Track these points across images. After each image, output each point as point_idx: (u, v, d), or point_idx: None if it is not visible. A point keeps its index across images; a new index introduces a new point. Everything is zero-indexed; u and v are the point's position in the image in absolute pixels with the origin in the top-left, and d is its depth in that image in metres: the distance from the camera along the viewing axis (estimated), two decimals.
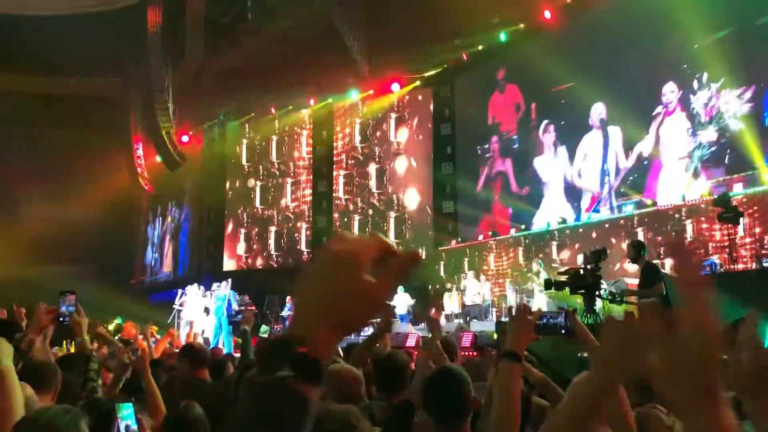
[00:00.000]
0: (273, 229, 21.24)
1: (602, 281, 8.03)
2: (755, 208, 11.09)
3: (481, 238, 16.77)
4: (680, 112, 12.96)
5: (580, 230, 14.36)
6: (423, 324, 12.60)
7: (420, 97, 19.48)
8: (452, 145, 18.59)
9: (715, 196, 10.55)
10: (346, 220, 20.07)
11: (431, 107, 19.23)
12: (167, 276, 23.42)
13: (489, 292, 14.79)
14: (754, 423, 1.06)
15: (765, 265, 9.80)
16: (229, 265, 21.56)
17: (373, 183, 19.82)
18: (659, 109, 13.33)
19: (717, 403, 0.83)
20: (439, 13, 15.64)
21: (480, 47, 17.45)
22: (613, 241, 13.01)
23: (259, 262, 21.32)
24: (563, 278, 8.17)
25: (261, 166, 21.77)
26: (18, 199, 20.93)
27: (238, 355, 6.90)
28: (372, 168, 19.90)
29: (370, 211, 19.72)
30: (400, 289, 15.20)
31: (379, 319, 4.30)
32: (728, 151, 11.95)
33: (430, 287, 17.18)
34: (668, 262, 12.23)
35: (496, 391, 2.04)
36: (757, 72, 11.52)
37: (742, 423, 0.91)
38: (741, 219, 9.68)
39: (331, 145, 20.68)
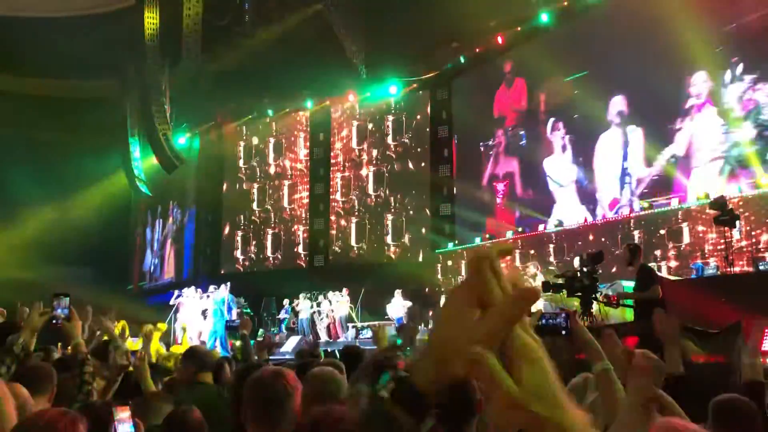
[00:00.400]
0: (270, 231, 21.23)
1: (599, 284, 8.04)
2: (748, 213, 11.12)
3: (479, 240, 16.77)
4: (711, 106, 11.92)
5: (578, 233, 14.35)
6: (421, 326, 12.59)
7: (417, 100, 19.50)
8: (449, 148, 18.61)
9: (711, 199, 10.57)
10: (343, 222, 20.07)
11: (428, 110, 19.26)
12: (169, 281, 23.21)
13: None
14: None
15: (761, 268, 9.82)
16: (226, 267, 21.54)
17: (370, 185, 19.83)
18: (688, 102, 12.22)
19: None
20: (436, 16, 15.67)
21: (477, 50, 17.50)
22: (607, 242, 13.03)
23: (257, 264, 21.30)
24: (560, 281, 8.18)
25: (258, 169, 21.76)
26: (14, 201, 20.86)
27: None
28: (369, 170, 19.91)
29: (368, 214, 19.72)
30: (397, 293, 15.22)
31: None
32: None
33: (427, 290, 17.18)
34: (664, 266, 12.29)
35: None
36: None
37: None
38: (737, 222, 9.69)
39: (328, 147, 20.69)
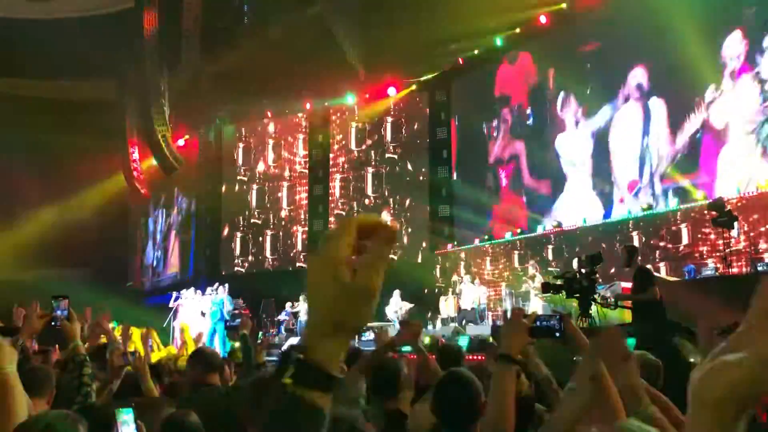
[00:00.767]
0: (269, 232, 21.23)
1: (597, 285, 8.05)
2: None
3: (477, 242, 16.79)
4: (748, 72, 10.80)
5: (577, 233, 14.33)
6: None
7: (416, 102, 19.52)
8: (448, 149, 18.62)
9: (710, 201, 10.59)
10: None
11: (427, 111, 19.27)
12: (173, 277, 23.07)
13: (485, 295, 14.81)
14: None
15: (760, 269, 9.83)
16: (225, 268, 21.53)
17: (369, 187, 19.84)
18: (721, 69, 11.09)
19: None
20: (435, 18, 15.70)
21: (476, 51, 17.53)
22: (604, 245, 13.03)
23: (256, 266, 21.29)
24: (559, 282, 8.19)
25: (257, 170, 21.76)
26: (13, 202, 20.87)
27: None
28: (368, 172, 19.92)
29: None
30: (395, 293, 15.21)
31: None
32: None
33: (426, 291, 17.19)
34: (662, 267, 12.30)
35: (491, 395, 2.05)
36: None
37: None
38: (735, 223, 9.71)
39: (327, 149, 20.69)
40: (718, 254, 10.91)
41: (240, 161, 22.10)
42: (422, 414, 2.70)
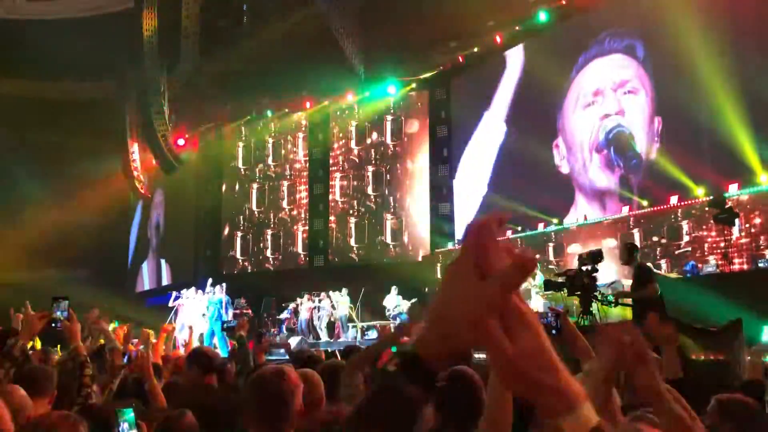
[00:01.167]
0: (269, 231, 21.23)
1: (597, 283, 8.05)
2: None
3: None
4: None
5: (577, 231, 14.34)
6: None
7: (416, 100, 19.51)
8: (449, 147, 18.61)
9: (711, 198, 10.59)
10: (342, 223, 20.08)
11: (427, 110, 19.26)
12: (173, 277, 23.11)
13: None
14: None
15: (760, 265, 9.84)
16: (226, 268, 21.54)
17: (369, 185, 19.83)
18: None
19: None
20: (435, 16, 15.69)
21: (475, 49, 17.51)
22: (602, 242, 13.04)
23: (256, 265, 21.30)
24: (560, 280, 8.20)
25: (257, 169, 21.76)
26: (13, 203, 20.87)
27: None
28: (368, 170, 19.91)
29: (367, 214, 19.73)
30: (393, 289, 15.23)
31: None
32: None
33: (427, 290, 17.17)
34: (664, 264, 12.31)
35: (488, 392, 2.05)
36: None
37: None
38: (736, 220, 9.71)
39: (327, 147, 20.69)
40: (719, 251, 10.91)
41: (240, 160, 22.10)
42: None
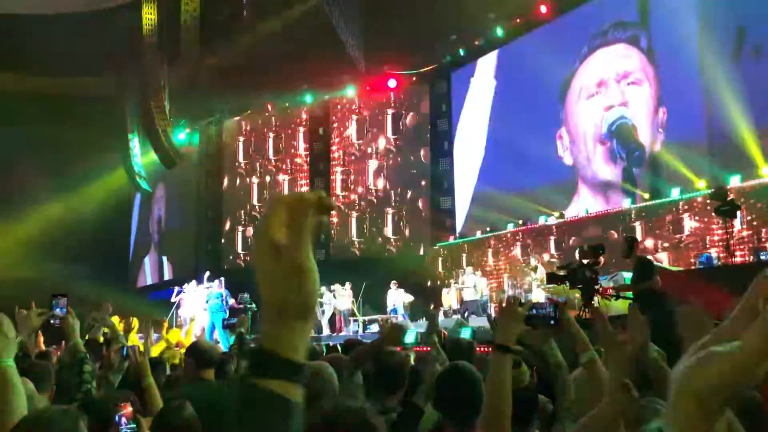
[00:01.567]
0: None
1: (599, 276, 8.04)
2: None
3: (479, 234, 16.78)
4: None
5: (579, 224, 14.32)
6: (421, 320, 12.60)
7: (417, 93, 19.46)
8: (449, 141, 18.58)
9: (713, 190, 10.56)
10: (343, 217, 20.07)
11: (428, 103, 19.22)
12: (174, 272, 23.15)
13: (487, 287, 14.81)
14: None
15: (762, 258, 9.81)
16: (227, 262, 21.56)
17: (370, 179, 19.82)
18: None
19: None
20: (435, 9, 15.63)
21: (477, 42, 17.46)
22: (604, 235, 13.02)
23: None
24: (562, 273, 8.18)
25: (258, 163, 21.75)
26: (14, 199, 20.88)
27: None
28: (369, 164, 19.89)
29: (368, 208, 19.72)
30: (393, 284, 15.21)
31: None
32: None
33: (429, 283, 17.18)
34: (665, 256, 12.29)
35: (488, 385, 2.05)
36: None
37: None
38: (738, 212, 9.68)
39: (328, 141, 20.67)
40: (720, 243, 10.90)
41: (241, 155, 22.09)
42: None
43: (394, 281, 15.08)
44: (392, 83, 19.24)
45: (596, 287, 7.81)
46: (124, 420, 2.09)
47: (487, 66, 17.59)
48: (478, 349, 4.55)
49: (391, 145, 19.70)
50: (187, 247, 22.88)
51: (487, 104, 17.45)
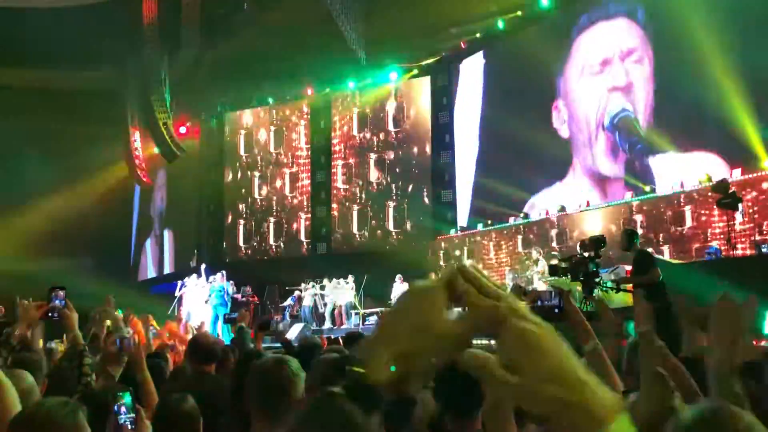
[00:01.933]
0: (272, 219, 21.24)
1: (600, 269, 8.01)
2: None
3: (480, 226, 16.77)
4: None
5: (580, 217, 14.31)
6: None
7: (418, 86, 19.42)
8: (450, 134, 18.55)
9: (714, 183, 10.55)
10: (345, 210, 20.07)
11: (429, 96, 19.17)
12: (176, 265, 23.15)
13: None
14: None
15: (764, 250, 9.81)
16: (229, 256, 21.58)
17: (371, 173, 19.80)
18: None
19: None
20: (436, 2, 15.58)
21: (477, 35, 17.41)
22: (608, 227, 13.01)
23: (259, 252, 21.33)
24: (564, 265, 8.16)
25: (259, 157, 21.74)
26: (15, 192, 20.89)
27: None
28: (370, 157, 19.87)
29: (369, 201, 19.71)
30: (398, 278, 15.23)
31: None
32: None
33: (432, 276, 17.17)
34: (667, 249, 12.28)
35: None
36: None
37: None
38: (739, 205, 9.67)
39: (329, 135, 20.64)
40: (722, 236, 10.88)
41: (242, 148, 22.08)
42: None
43: (399, 275, 15.07)
44: (393, 76, 19.20)
45: (597, 280, 7.79)
46: (123, 410, 2.09)
47: (487, 59, 17.54)
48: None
49: (392, 137, 19.67)
50: (188, 240, 22.90)
51: (485, 96, 17.39)
